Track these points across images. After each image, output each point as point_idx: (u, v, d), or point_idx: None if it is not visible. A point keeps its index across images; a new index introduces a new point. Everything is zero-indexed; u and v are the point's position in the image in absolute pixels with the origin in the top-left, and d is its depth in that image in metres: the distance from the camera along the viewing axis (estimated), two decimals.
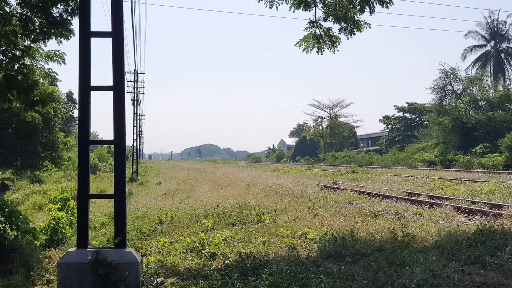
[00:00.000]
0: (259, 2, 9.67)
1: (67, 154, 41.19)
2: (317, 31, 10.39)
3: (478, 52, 62.02)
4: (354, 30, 9.96)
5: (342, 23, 9.94)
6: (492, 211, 11.17)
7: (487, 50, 61.79)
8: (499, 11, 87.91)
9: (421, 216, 10.98)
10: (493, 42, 61.36)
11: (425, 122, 61.40)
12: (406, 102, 69.43)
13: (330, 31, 10.32)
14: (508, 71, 60.54)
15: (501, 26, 60.64)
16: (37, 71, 11.02)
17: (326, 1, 10.04)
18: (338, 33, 10.19)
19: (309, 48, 10.47)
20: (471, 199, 13.67)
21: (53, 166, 37.42)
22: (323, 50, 10.41)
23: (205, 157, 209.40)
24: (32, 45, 10.07)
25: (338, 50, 10.37)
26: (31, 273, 6.56)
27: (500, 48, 61.48)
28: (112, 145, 6.25)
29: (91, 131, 6.72)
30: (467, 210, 11.52)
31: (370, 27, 10.04)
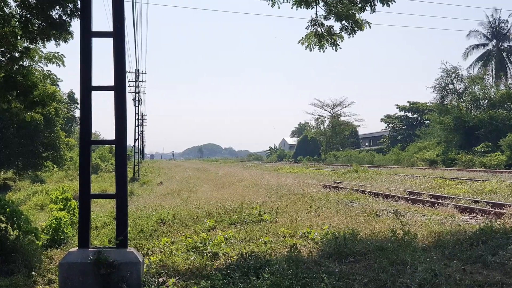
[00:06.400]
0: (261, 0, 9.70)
1: (69, 154, 41.24)
2: (319, 29, 10.42)
3: (480, 51, 62.07)
4: (355, 28, 9.97)
5: (343, 22, 9.96)
6: (494, 210, 11.16)
7: (488, 49, 61.75)
8: (500, 10, 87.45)
9: (423, 215, 10.98)
10: (494, 41, 61.29)
11: (427, 121, 61.35)
12: (408, 101, 69.46)
13: (332, 30, 10.34)
14: (510, 70, 60.49)
15: (502, 25, 60.66)
16: (36, 73, 11.03)
17: (328, 0, 10.05)
18: (339, 32, 10.20)
19: (311, 46, 10.51)
20: (472, 198, 13.67)
21: (54, 166, 37.48)
22: (325, 48, 10.44)
23: (207, 156, 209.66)
24: (32, 46, 10.08)
25: (340, 48, 10.40)
26: (32, 273, 6.57)
27: (502, 47, 61.41)
28: (114, 145, 6.25)
29: (93, 131, 6.73)
30: (468, 209, 11.52)
31: (370, 27, 10.06)
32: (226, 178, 26.76)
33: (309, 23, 10.44)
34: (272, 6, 9.88)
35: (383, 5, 9.50)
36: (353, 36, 10.09)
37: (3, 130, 31.94)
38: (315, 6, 10.12)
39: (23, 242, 7.38)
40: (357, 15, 9.86)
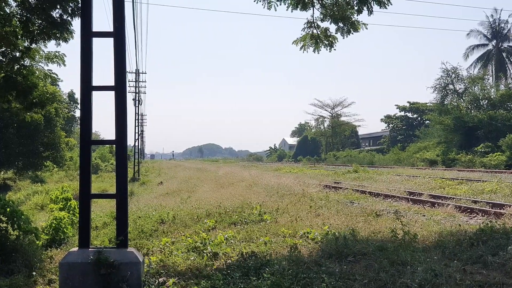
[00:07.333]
0: (257, 3, 9.69)
1: (69, 154, 41.22)
2: (315, 31, 10.45)
3: (480, 51, 62.14)
4: (351, 30, 10.02)
5: (340, 24, 9.98)
6: (494, 210, 11.16)
7: (489, 49, 61.81)
8: (501, 10, 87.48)
9: (423, 215, 10.98)
10: (494, 41, 61.34)
11: (427, 122, 61.35)
12: (408, 102, 69.46)
13: (328, 31, 10.39)
14: (509, 70, 60.55)
15: (502, 25, 60.77)
16: (37, 72, 11.01)
17: (324, 2, 10.06)
18: (335, 33, 10.24)
19: (306, 46, 10.54)
20: (472, 199, 13.67)
21: (54, 166, 37.47)
22: (320, 49, 10.47)
23: (207, 156, 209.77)
24: (32, 46, 10.07)
25: (334, 49, 10.47)
26: (33, 273, 6.57)
27: (502, 47, 61.47)
28: (114, 145, 6.25)
29: (93, 131, 6.73)
30: (468, 209, 11.51)
31: (367, 28, 10.11)
32: (226, 178, 26.75)
33: (305, 25, 10.48)
34: (269, 9, 9.91)
35: (380, 7, 9.53)
36: (347, 37, 10.15)
37: (3, 130, 31.91)
38: (311, 8, 10.14)
39: (24, 242, 7.38)
40: (353, 17, 9.88)
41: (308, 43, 10.50)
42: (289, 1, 9.82)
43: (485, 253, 6.39)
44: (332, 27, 10.24)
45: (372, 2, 9.47)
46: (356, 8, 9.69)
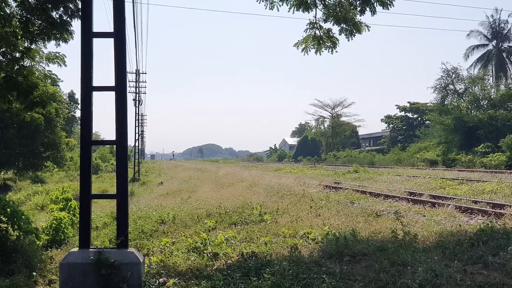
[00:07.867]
0: (259, 3, 9.67)
1: (69, 154, 41.22)
2: (317, 32, 10.38)
3: (480, 52, 62.14)
4: (354, 31, 9.96)
5: (343, 24, 9.92)
6: (494, 210, 11.16)
7: (489, 49, 61.81)
8: (501, 10, 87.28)
9: (423, 216, 10.97)
10: (495, 41, 61.35)
11: (427, 122, 61.34)
12: (408, 102, 69.49)
13: (330, 32, 10.31)
14: (510, 70, 60.53)
15: (503, 25, 60.76)
16: (37, 73, 11.02)
17: (327, 2, 10.01)
18: (339, 34, 10.18)
19: (308, 49, 10.46)
20: (473, 199, 13.66)
21: (55, 166, 37.47)
22: (322, 51, 10.41)
23: (207, 157, 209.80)
24: (32, 46, 10.08)
25: (336, 51, 10.37)
26: (33, 273, 6.58)
27: (502, 47, 61.45)
28: (114, 145, 6.25)
29: (93, 131, 6.72)
30: (469, 209, 11.51)
31: (369, 30, 10.05)
32: (227, 179, 26.75)
33: (307, 26, 10.41)
34: (271, 9, 9.84)
35: (383, 8, 9.50)
36: (352, 39, 10.06)
37: (3, 130, 31.93)
38: (314, 9, 10.07)
39: (24, 243, 7.38)
40: (356, 17, 9.84)
41: (310, 45, 10.41)
42: (292, 2, 9.77)
43: (485, 253, 6.39)
44: (335, 29, 10.19)
45: (375, 2, 9.43)
46: (359, 8, 9.63)
